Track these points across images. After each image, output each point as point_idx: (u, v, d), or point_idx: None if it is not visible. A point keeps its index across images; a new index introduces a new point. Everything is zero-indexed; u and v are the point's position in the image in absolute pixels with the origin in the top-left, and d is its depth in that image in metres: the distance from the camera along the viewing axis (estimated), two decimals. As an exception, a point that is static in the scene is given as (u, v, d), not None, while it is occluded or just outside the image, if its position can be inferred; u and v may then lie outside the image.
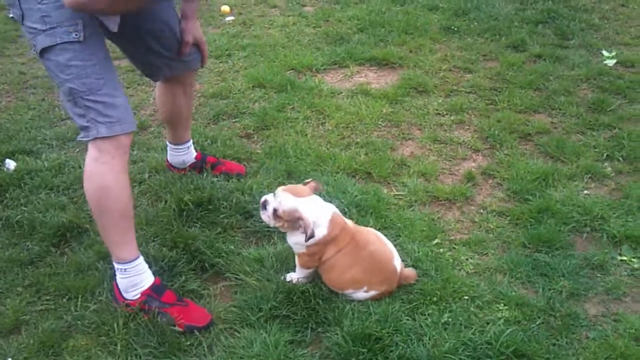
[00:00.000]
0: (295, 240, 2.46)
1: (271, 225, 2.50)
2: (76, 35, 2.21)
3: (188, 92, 3.09)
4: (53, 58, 2.25)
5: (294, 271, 2.58)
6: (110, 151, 2.31)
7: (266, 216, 2.47)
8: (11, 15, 2.31)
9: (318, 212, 2.41)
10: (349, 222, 2.54)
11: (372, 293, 2.47)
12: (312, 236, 2.35)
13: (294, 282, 2.53)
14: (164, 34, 2.74)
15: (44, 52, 2.25)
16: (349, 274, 2.45)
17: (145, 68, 2.92)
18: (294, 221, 2.38)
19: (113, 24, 2.40)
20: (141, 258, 2.47)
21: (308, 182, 2.53)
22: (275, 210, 2.41)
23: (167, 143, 3.29)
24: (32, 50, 2.34)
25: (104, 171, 2.31)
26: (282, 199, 2.41)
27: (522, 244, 2.86)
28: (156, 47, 2.75)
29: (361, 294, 2.48)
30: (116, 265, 2.45)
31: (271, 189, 3.10)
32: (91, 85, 2.25)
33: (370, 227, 2.81)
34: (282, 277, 2.56)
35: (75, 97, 2.26)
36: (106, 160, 2.31)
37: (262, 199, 2.48)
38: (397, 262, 2.51)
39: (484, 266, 2.73)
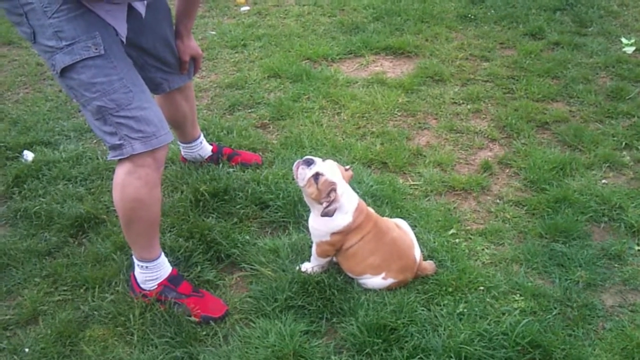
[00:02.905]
0: (319, 225, 2.44)
1: (299, 183, 2.41)
2: (96, 49, 2.07)
3: (189, 96, 3.06)
4: (76, 77, 2.10)
5: (309, 261, 2.58)
6: (145, 166, 2.22)
7: (304, 173, 2.37)
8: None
9: (348, 199, 2.42)
10: (372, 210, 2.54)
11: (390, 281, 2.47)
12: (329, 214, 2.32)
13: (308, 271, 2.53)
14: (162, 51, 2.70)
15: (64, 71, 2.10)
16: (369, 260, 2.45)
17: (145, 83, 2.80)
18: (325, 194, 2.33)
19: (122, 31, 2.24)
20: (162, 254, 2.48)
21: (349, 169, 2.52)
22: (318, 174, 2.35)
23: (179, 142, 3.29)
24: (51, 70, 2.15)
25: (138, 186, 2.23)
26: (329, 169, 2.38)
27: (539, 234, 2.83)
28: (154, 63, 2.71)
29: (378, 280, 2.47)
30: (137, 262, 2.45)
31: (287, 179, 3.12)
32: (120, 100, 2.12)
33: (387, 217, 2.81)
34: (297, 267, 2.57)
35: (105, 115, 2.14)
36: (141, 175, 2.23)
37: (309, 157, 2.41)
38: (417, 252, 2.51)
39: (500, 256, 2.71)
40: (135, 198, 2.25)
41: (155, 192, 2.30)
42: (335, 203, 2.33)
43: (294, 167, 2.42)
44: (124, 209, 2.30)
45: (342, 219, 2.40)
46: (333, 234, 2.42)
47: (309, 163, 2.38)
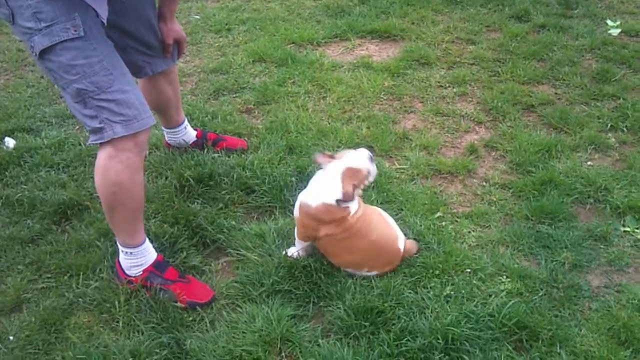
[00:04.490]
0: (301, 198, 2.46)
1: (371, 180, 2.50)
2: (75, 31, 2.02)
3: (173, 80, 3.02)
4: (55, 59, 2.06)
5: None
6: (127, 149, 2.19)
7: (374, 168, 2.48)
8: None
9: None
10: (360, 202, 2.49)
11: (375, 272, 2.46)
12: (348, 199, 2.32)
13: (294, 255, 2.52)
14: (145, 34, 2.65)
15: (43, 53, 2.06)
16: (348, 258, 2.45)
17: (127, 66, 2.68)
18: (359, 183, 2.40)
19: (103, 12, 2.17)
20: (147, 240, 2.46)
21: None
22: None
23: (163, 128, 3.26)
24: (30, 52, 2.10)
25: (119, 170, 2.20)
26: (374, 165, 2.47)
27: (525, 216, 2.84)
28: (137, 46, 2.66)
29: (362, 273, 2.47)
30: (121, 247, 2.43)
31: (272, 164, 3.11)
32: (100, 83, 2.09)
33: (373, 201, 2.81)
34: (284, 253, 2.55)
35: (85, 98, 2.10)
36: (123, 159, 2.20)
37: (367, 151, 2.48)
38: (401, 243, 2.49)
39: (486, 239, 2.72)
40: (116, 182, 2.22)
41: (138, 176, 2.27)
42: (354, 193, 2.37)
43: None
44: (106, 193, 2.27)
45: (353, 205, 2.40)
46: (300, 207, 2.44)
47: (372, 158, 2.48)
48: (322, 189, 2.37)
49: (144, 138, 2.25)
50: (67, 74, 2.08)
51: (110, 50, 2.17)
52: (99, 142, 2.19)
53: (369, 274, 2.46)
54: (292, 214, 2.55)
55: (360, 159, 2.42)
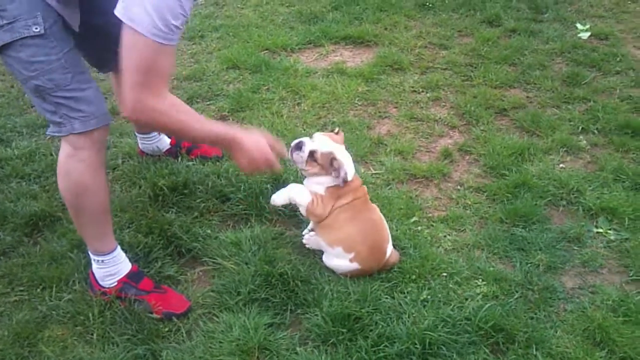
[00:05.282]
0: (317, 180, 2.50)
1: (300, 167, 2.51)
2: (37, 28, 2.05)
3: None
4: (14, 55, 2.09)
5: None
6: (85, 147, 2.20)
7: (299, 157, 2.46)
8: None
9: (348, 160, 2.47)
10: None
11: (355, 266, 2.46)
12: (346, 179, 2.40)
13: (275, 203, 2.58)
14: (113, 28, 2.62)
15: (3, 49, 2.09)
16: (346, 230, 2.46)
17: (94, 60, 2.72)
18: (328, 165, 2.42)
19: (74, 23, 2.23)
20: (118, 248, 2.43)
21: (338, 131, 2.57)
22: (312, 152, 2.43)
23: (136, 133, 3.22)
24: None
25: (80, 170, 2.22)
26: (321, 142, 2.45)
27: (499, 219, 2.86)
28: (106, 41, 2.63)
29: (345, 262, 2.46)
30: (92, 256, 2.40)
31: (247, 171, 3.08)
32: (58, 80, 2.11)
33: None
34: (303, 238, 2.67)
35: (43, 94, 2.13)
36: (82, 158, 2.21)
37: (297, 141, 2.48)
38: (389, 248, 2.51)
39: (462, 242, 2.73)
40: (79, 183, 2.23)
41: (99, 176, 2.28)
42: (342, 167, 2.40)
43: (288, 157, 2.48)
44: (70, 195, 2.28)
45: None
46: (330, 187, 2.48)
47: (300, 146, 2.45)
48: (347, 159, 2.48)
49: (102, 135, 2.26)
50: (26, 70, 2.10)
51: (70, 49, 2.18)
52: (58, 135, 2.21)
53: (350, 265, 2.46)
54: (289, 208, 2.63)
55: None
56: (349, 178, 2.43)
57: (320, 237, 2.54)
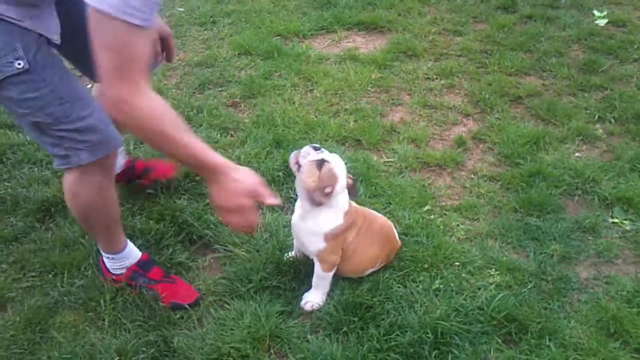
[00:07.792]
0: (311, 225, 2.25)
1: (300, 164, 2.19)
2: (19, 64, 1.83)
3: None
4: (5, 94, 1.89)
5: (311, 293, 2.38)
6: (95, 173, 2.08)
7: (310, 154, 2.18)
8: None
9: (343, 200, 2.25)
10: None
11: (379, 266, 2.44)
12: (315, 203, 2.16)
13: (314, 307, 2.33)
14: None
15: None
16: (369, 252, 2.36)
17: (84, 68, 2.35)
18: (323, 186, 2.14)
19: (55, 34, 1.96)
20: (128, 245, 2.40)
21: (351, 178, 2.32)
22: (322, 161, 2.16)
23: None
24: None
25: (89, 191, 2.11)
26: (337, 162, 2.19)
27: (513, 208, 2.83)
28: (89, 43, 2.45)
29: (374, 270, 2.43)
30: (102, 252, 2.40)
31: (259, 158, 3.08)
32: (57, 114, 1.92)
33: (361, 195, 2.79)
34: (301, 306, 2.35)
35: (44, 129, 1.95)
36: (91, 181, 2.09)
37: (318, 145, 2.23)
38: (396, 234, 2.49)
39: (475, 232, 2.71)
40: (88, 204, 2.16)
41: (109, 194, 2.19)
42: (329, 199, 2.17)
43: (291, 157, 2.24)
44: (78, 213, 2.23)
45: (334, 220, 2.24)
46: (326, 234, 2.25)
47: (317, 148, 2.20)
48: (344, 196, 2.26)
49: (112, 160, 2.16)
50: (20, 108, 1.93)
51: (61, 75, 1.97)
52: (65, 167, 2.07)
53: (375, 268, 2.42)
54: (293, 251, 2.50)
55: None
56: (334, 223, 2.23)
57: (347, 274, 2.40)
